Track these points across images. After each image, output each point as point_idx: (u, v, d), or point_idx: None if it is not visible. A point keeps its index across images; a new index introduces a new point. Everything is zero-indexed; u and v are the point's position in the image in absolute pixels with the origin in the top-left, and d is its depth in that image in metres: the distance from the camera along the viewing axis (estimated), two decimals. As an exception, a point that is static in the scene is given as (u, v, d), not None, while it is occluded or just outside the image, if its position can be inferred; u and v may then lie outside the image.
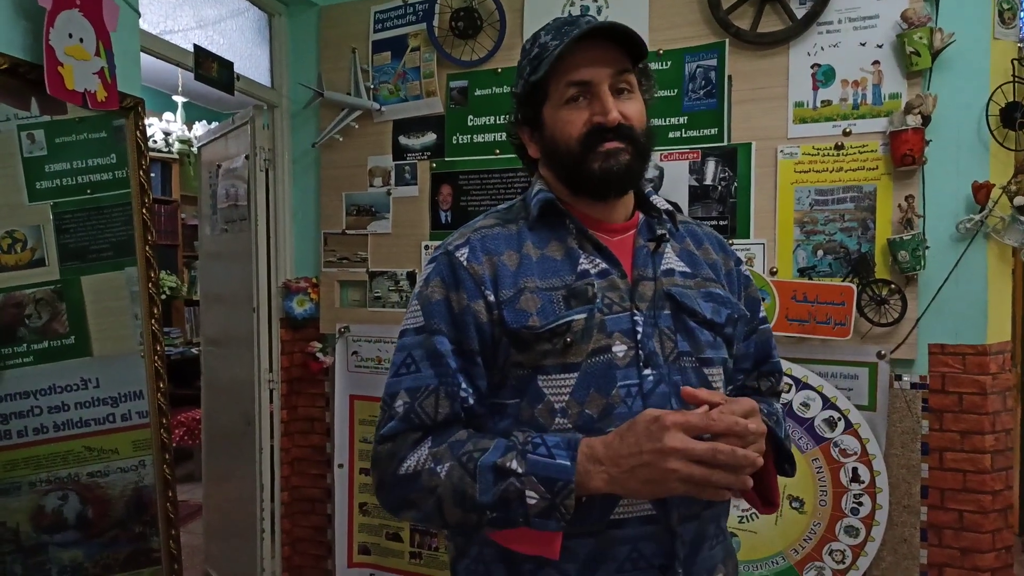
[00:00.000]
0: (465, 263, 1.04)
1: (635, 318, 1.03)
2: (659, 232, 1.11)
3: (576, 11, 2.67)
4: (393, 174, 2.96)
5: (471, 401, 1.02)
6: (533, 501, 0.91)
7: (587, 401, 0.99)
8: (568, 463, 0.91)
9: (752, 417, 0.92)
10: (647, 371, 1.01)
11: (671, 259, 1.11)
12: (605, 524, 0.98)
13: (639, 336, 1.02)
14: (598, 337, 1.00)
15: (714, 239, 1.22)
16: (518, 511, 0.92)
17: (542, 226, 1.09)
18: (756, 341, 1.23)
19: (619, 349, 1.01)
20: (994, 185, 2.20)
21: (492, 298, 1.02)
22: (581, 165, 1.05)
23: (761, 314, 1.24)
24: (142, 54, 2.28)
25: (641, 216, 1.14)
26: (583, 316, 1.00)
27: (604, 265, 1.05)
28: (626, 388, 1.00)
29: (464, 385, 1.02)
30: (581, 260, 1.05)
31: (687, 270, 1.11)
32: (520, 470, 0.92)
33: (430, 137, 2.90)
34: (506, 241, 1.07)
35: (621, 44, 1.04)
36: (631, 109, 1.05)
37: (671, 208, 1.15)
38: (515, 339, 1.01)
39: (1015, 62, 2.23)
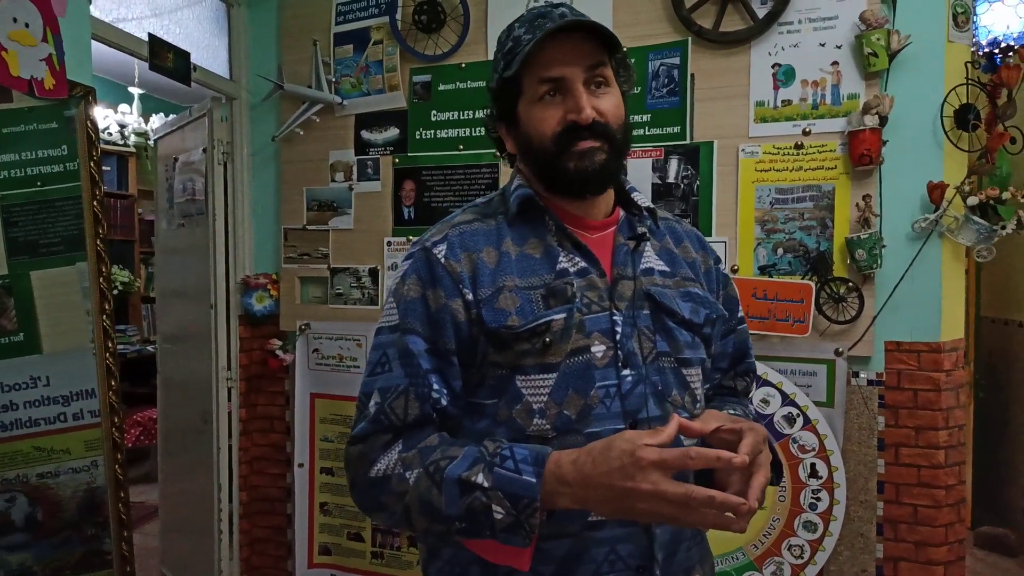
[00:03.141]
0: (443, 260, 1.02)
1: (614, 318, 1.01)
2: (640, 231, 1.10)
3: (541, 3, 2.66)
4: (355, 169, 2.93)
5: (444, 402, 1.00)
6: (499, 516, 0.89)
7: (565, 402, 0.98)
8: (534, 480, 0.88)
9: (758, 450, 0.90)
10: (625, 371, 1.00)
11: (651, 258, 1.10)
12: (582, 526, 0.97)
13: (618, 336, 1.01)
14: (577, 337, 0.99)
15: (694, 236, 1.21)
16: (485, 524, 0.90)
17: (521, 222, 1.07)
18: (734, 341, 1.23)
19: (598, 349, 0.99)
20: (948, 185, 2.25)
21: (471, 296, 1.00)
22: (556, 164, 1.03)
23: (739, 314, 1.24)
24: (94, 42, 2.22)
25: (622, 213, 1.12)
26: (562, 316, 0.99)
27: (583, 264, 1.04)
28: (604, 389, 0.99)
29: (436, 386, 1.00)
30: (560, 258, 1.03)
31: (666, 269, 1.10)
32: (486, 484, 0.90)
33: (393, 132, 2.87)
34: (485, 237, 1.05)
35: (596, 36, 1.02)
36: (606, 104, 1.02)
37: (651, 205, 1.14)
38: (493, 338, 0.99)
39: (968, 64, 2.28)
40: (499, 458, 0.91)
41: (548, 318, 0.98)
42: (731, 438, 0.92)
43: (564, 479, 0.88)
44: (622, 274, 1.05)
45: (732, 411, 1.12)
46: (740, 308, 1.25)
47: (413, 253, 1.07)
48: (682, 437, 0.92)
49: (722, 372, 1.23)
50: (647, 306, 1.04)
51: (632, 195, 1.13)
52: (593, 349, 0.99)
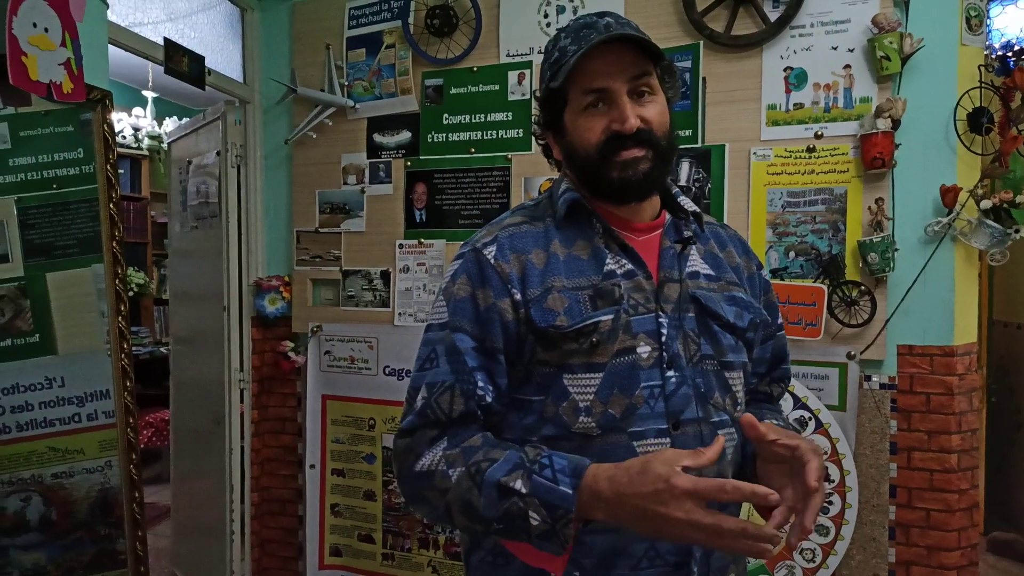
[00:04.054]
0: (493, 261, 1.05)
1: (660, 320, 1.03)
2: (686, 234, 1.12)
3: (551, 11, 2.67)
4: (367, 172, 2.94)
5: (489, 399, 1.02)
6: (535, 522, 0.91)
7: (610, 401, 1.00)
8: (570, 492, 0.90)
9: (821, 475, 0.91)
10: (670, 372, 1.02)
11: (696, 261, 1.11)
12: None
13: (663, 338, 1.03)
14: (623, 338, 1.01)
15: (738, 242, 1.22)
16: (521, 528, 0.93)
17: (569, 225, 1.09)
18: (773, 347, 1.24)
19: (643, 350, 1.02)
20: (961, 189, 2.24)
21: (519, 296, 1.03)
22: (600, 173, 1.05)
23: (779, 320, 1.25)
24: (110, 46, 2.24)
25: (668, 216, 1.14)
26: (610, 317, 1.01)
27: (630, 266, 1.06)
28: (649, 389, 1.01)
29: (481, 383, 1.02)
30: (607, 260, 1.06)
31: (711, 273, 1.12)
32: (524, 491, 0.92)
33: (405, 135, 2.88)
34: (534, 239, 1.08)
35: (641, 45, 1.03)
36: (651, 112, 1.04)
37: (698, 210, 1.16)
38: (542, 338, 1.01)
39: (982, 68, 2.27)
40: (538, 466, 0.93)
41: (596, 319, 1.01)
42: (785, 452, 0.94)
43: (599, 494, 0.89)
44: (668, 277, 1.07)
45: (774, 422, 1.13)
46: (780, 315, 1.26)
47: (463, 253, 1.09)
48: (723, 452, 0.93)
49: (759, 377, 1.25)
50: (692, 309, 1.06)
51: (678, 199, 1.14)
52: (639, 350, 1.01)
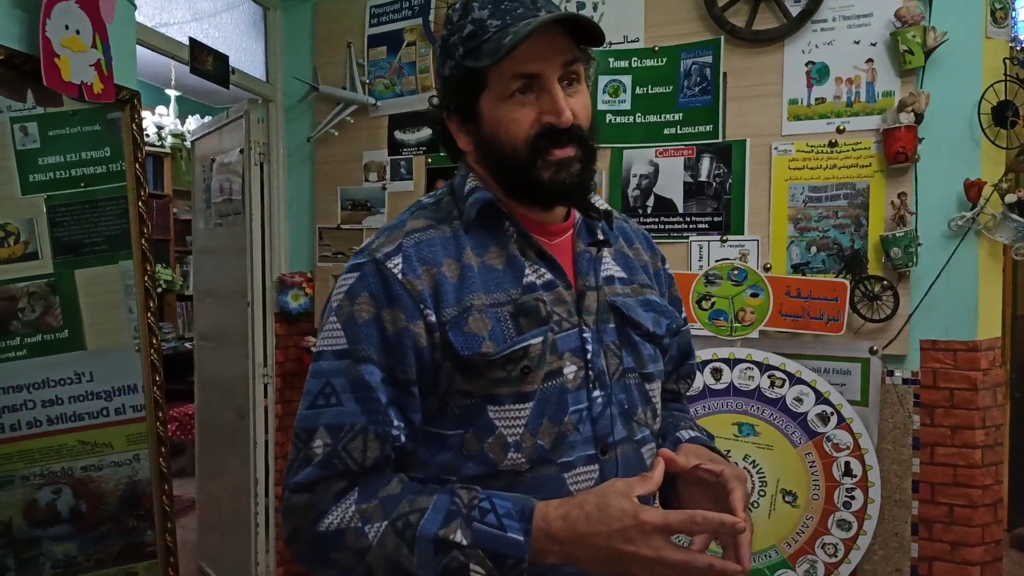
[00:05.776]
0: (400, 276, 0.89)
1: (584, 335, 0.94)
2: (600, 237, 1.02)
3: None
4: (388, 169, 2.96)
5: (403, 439, 0.89)
6: (478, 575, 0.81)
7: (540, 432, 0.90)
8: (521, 538, 0.81)
9: (747, 502, 0.89)
10: (596, 392, 0.94)
11: (609, 264, 1.03)
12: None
13: (588, 355, 0.94)
14: (551, 359, 0.91)
15: (642, 237, 1.15)
16: None
17: (478, 227, 0.95)
18: (678, 343, 1.16)
19: (569, 371, 0.92)
20: (986, 183, 2.22)
21: (433, 318, 0.88)
22: (528, 173, 0.92)
23: (683, 314, 1.18)
24: (137, 47, 2.27)
25: (578, 215, 1.03)
26: (540, 340, 0.90)
27: (549, 276, 0.95)
28: (577, 413, 0.92)
29: (396, 421, 0.88)
30: (525, 270, 0.94)
31: (624, 276, 1.04)
32: (464, 542, 0.81)
33: (425, 132, 2.90)
34: (443, 247, 0.93)
35: (572, 28, 0.90)
36: (579, 104, 0.92)
37: (609, 208, 1.05)
38: (464, 366, 0.88)
39: (1007, 61, 2.25)
40: (478, 511, 0.83)
41: (525, 343, 0.89)
42: (708, 478, 0.91)
43: (554, 536, 0.81)
44: (587, 285, 0.97)
45: (690, 431, 1.09)
46: (683, 309, 1.20)
47: (361, 265, 0.92)
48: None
49: (666, 375, 1.15)
50: (612, 319, 0.98)
51: (590, 197, 1.03)
52: (565, 371, 0.92)
